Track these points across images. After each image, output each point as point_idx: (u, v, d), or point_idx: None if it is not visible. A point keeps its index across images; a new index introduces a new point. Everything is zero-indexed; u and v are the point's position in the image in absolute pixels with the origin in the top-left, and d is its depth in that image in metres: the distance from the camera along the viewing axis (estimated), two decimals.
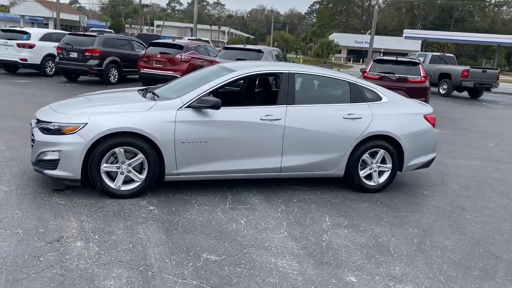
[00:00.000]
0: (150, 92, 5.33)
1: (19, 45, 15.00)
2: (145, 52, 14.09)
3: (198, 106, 4.61)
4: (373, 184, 5.45)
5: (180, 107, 4.65)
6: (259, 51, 12.60)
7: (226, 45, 16.35)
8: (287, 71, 5.09)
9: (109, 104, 4.81)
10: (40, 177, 5.00)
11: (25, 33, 15.55)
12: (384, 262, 3.70)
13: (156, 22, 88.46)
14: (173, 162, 4.65)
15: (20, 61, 15.06)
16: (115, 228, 3.89)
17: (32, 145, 4.62)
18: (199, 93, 4.72)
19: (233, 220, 4.28)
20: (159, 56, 13.64)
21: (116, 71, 14.88)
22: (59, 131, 4.41)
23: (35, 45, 15.21)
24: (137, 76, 14.59)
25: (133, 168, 4.60)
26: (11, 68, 16.22)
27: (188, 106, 4.66)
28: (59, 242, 3.53)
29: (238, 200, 4.82)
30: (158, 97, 5.01)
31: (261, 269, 3.38)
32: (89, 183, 4.59)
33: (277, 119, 4.89)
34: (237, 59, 12.11)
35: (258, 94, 6.50)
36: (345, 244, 3.98)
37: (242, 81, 6.70)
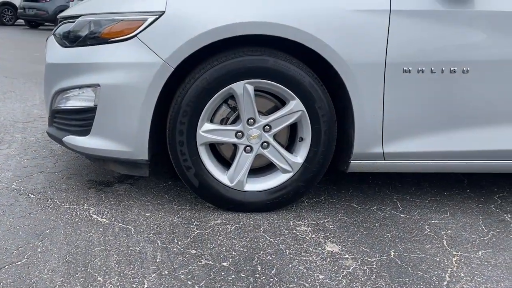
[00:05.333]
0: None
1: None
2: None
3: None
4: None
5: None
6: None
7: None
8: None
9: None
10: (70, 156, 2.43)
11: None
12: None
13: None
14: (376, 124, 1.78)
15: None
16: None
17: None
18: None
19: None
20: None
21: None
22: (94, 36, 1.72)
23: None
24: None
25: (274, 137, 1.81)
26: None
27: None
28: None
29: None
30: None
31: None
32: (169, 170, 1.91)
33: None
34: None
35: None
36: None
37: None
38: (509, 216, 1.93)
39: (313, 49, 1.67)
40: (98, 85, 1.68)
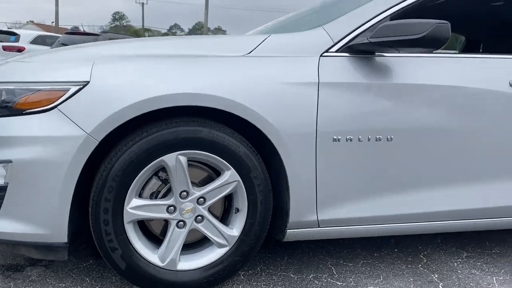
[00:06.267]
0: None
1: (5, 48, 12.28)
2: None
3: (376, 43, 1.76)
4: None
5: (328, 49, 1.81)
6: None
7: None
8: None
9: (148, 41, 1.94)
10: None
11: (13, 34, 12.88)
12: None
13: None
14: (310, 192, 1.78)
15: None
16: None
17: None
18: (371, 16, 1.88)
19: None
20: None
21: None
22: (7, 106, 1.55)
23: (25, 49, 12.49)
24: None
25: (209, 210, 1.73)
26: None
27: (347, 48, 1.82)
28: None
29: None
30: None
31: None
32: (89, 247, 1.71)
33: None
34: None
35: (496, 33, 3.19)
36: None
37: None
38: (436, 275, 2.00)
39: (247, 120, 1.66)
40: (10, 161, 1.50)
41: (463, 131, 1.90)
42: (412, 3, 1.93)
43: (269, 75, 1.70)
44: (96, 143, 1.51)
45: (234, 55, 1.73)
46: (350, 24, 1.84)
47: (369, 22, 1.84)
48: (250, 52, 1.75)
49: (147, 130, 1.58)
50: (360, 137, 1.79)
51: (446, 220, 1.98)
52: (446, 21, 1.68)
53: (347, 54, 1.81)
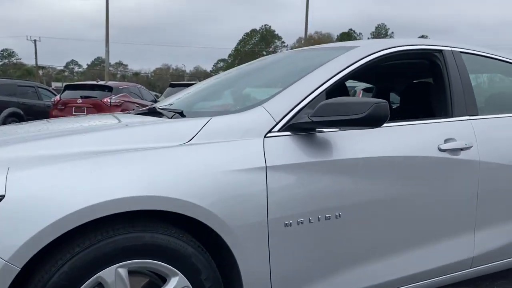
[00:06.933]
0: (156, 112, 2.27)
1: None
2: (60, 97, 10.59)
3: (318, 122, 1.72)
4: None
5: (271, 130, 1.73)
6: None
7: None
8: (450, 48, 2.43)
9: (71, 136, 1.68)
10: None
11: None
12: None
13: (54, 84, 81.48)
14: (264, 283, 1.65)
15: None
16: None
17: None
18: (309, 91, 1.85)
19: None
20: (80, 101, 10.23)
21: None
22: None
23: None
24: None
25: None
26: None
27: (289, 127, 1.76)
28: None
29: None
30: (184, 116, 2.01)
31: None
32: None
33: (467, 147, 2.17)
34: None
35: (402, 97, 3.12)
36: None
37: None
38: None
39: (193, 217, 1.50)
40: None
41: (402, 199, 1.93)
42: (344, 75, 1.96)
43: (213, 164, 1.57)
44: (17, 270, 1.24)
45: (173, 145, 1.58)
46: (290, 101, 1.80)
47: (307, 98, 1.82)
48: (190, 140, 1.61)
49: (79, 244, 1.35)
50: (310, 218, 1.72)
51: (402, 286, 1.98)
52: (384, 100, 1.71)
53: (289, 133, 1.76)
